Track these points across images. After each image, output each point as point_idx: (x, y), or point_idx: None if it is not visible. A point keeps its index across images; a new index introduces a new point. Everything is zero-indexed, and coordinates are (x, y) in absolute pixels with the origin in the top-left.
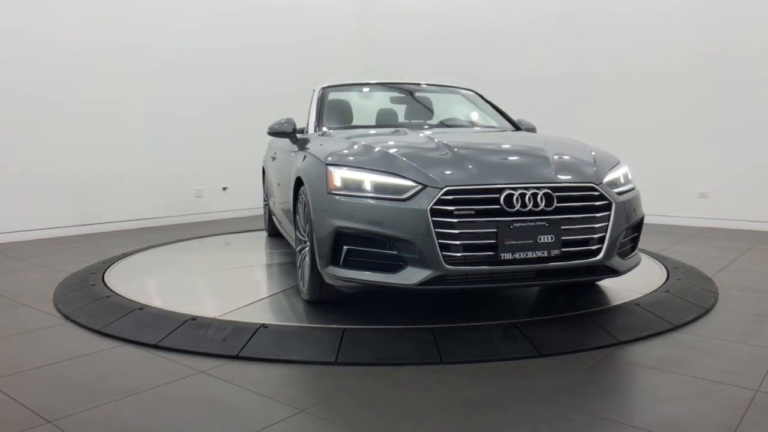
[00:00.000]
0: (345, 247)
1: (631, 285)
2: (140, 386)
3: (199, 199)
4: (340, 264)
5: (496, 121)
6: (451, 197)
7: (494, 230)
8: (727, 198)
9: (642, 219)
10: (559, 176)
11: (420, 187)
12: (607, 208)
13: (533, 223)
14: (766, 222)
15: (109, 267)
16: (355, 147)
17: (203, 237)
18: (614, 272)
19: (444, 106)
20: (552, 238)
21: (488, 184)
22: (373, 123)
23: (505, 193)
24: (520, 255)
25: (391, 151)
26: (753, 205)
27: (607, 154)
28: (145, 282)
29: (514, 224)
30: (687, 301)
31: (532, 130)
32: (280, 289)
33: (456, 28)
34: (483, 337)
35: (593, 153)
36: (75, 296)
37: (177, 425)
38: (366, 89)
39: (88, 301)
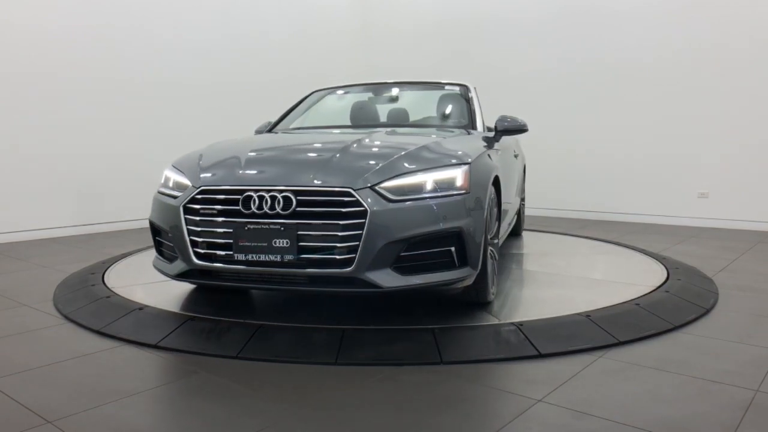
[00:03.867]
0: (155, 239)
1: (631, 285)
2: (140, 386)
3: None
4: (156, 253)
5: (461, 119)
6: (200, 196)
7: (230, 230)
8: (727, 198)
9: (451, 230)
10: (312, 180)
11: (190, 186)
12: (363, 215)
13: (267, 226)
14: (766, 222)
15: (109, 267)
16: (211, 149)
17: None
18: (375, 287)
19: (414, 106)
20: (287, 242)
21: (233, 185)
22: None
23: (244, 195)
24: (253, 257)
25: (205, 152)
26: (753, 205)
27: (442, 154)
28: (145, 282)
29: (249, 226)
30: (687, 301)
31: (518, 127)
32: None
33: (457, 25)
34: (483, 337)
35: (407, 153)
36: (75, 296)
37: (177, 425)
38: (352, 90)
39: (88, 301)
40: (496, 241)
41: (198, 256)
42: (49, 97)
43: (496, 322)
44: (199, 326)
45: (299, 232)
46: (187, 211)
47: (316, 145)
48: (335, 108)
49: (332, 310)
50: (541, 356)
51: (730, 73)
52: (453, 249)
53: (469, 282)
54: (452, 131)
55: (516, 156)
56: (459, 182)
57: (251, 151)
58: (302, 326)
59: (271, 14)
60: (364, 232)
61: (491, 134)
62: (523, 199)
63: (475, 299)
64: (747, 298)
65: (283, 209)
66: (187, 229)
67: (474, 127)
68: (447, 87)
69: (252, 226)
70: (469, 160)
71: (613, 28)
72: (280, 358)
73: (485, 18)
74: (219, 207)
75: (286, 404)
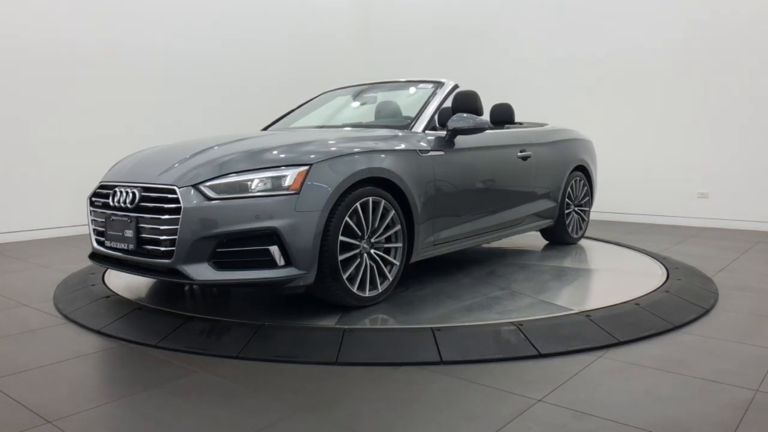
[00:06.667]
0: None
1: (631, 285)
2: (140, 386)
3: None
4: None
5: (406, 118)
6: (98, 190)
7: (104, 220)
8: (727, 198)
9: (266, 229)
10: (156, 178)
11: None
12: (179, 211)
13: (120, 218)
14: (766, 222)
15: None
16: (139, 152)
17: None
18: (189, 279)
19: (390, 104)
20: (131, 233)
21: (111, 181)
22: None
23: (113, 190)
24: (115, 244)
25: (133, 154)
26: (753, 205)
27: (285, 155)
28: (144, 282)
29: (113, 217)
30: (687, 301)
31: (473, 126)
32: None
33: (457, 24)
34: (483, 337)
35: (248, 153)
36: (75, 296)
37: (177, 425)
38: (346, 90)
39: (88, 301)
40: (400, 245)
41: (96, 241)
42: (49, 98)
43: (495, 321)
44: (199, 326)
45: (139, 225)
46: (91, 203)
47: (193, 145)
48: (326, 107)
49: (332, 310)
50: (541, 356)
51: (730, 73)
52: (273, 248)
53: (303, 282)
54: (394, 131)
55: (526, 158)
56: (288, 182)
57: (149, 152)
58: (302, 326)
59: (271, 15)
60: (179, 227)
61: (442, 134)
62: (581, 205)
63: (331, 301)
64: (747, 298)
65: (130, 203)
66: (90, 219)
67: (411, 127)
68: (420, 85)
69: (114, 218)
70: (311, 161)
71: (612, 28)
72: (280, 358)
73: (485, 17)
74: (102, 200)
75: (286, 404)
